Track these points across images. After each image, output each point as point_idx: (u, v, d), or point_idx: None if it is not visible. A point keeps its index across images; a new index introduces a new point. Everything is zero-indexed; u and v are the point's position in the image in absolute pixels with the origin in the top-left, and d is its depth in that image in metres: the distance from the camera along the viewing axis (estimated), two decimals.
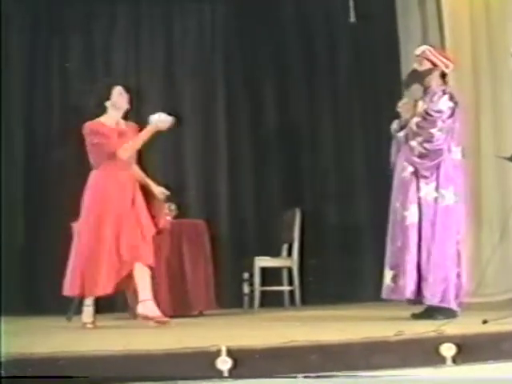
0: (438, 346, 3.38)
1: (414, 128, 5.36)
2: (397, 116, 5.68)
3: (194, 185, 8.70)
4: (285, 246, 8.25)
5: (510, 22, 7.13)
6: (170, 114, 5.70)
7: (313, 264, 8.32)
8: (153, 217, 5.74)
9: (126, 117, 5.85)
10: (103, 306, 5.95)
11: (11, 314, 6.38)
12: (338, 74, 9.00)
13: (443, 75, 5.55)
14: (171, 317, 5.69)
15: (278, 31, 8.93)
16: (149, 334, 4.84)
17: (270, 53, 8.93)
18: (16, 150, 8.48)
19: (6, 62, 8.21)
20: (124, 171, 5.66)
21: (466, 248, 5.47)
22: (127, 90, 5.76)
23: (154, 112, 5.81)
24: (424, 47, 5.58)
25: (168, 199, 6.28)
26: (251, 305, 7.88)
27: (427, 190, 5.30)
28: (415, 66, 5.56)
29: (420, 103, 5.46)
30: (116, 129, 5.67)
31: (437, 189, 5.29)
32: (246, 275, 8.07)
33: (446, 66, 5.53)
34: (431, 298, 5.19)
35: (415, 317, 5.22)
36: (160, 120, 5.58)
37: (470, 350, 3.38)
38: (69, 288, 5.57)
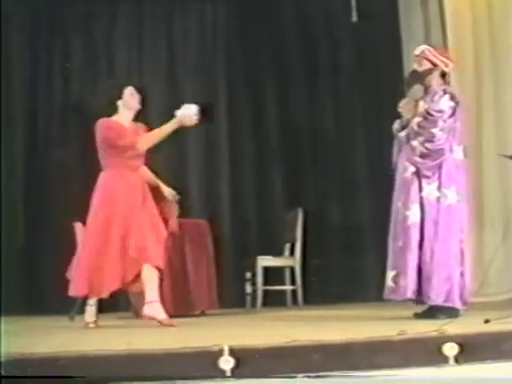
0: (440, 345, 3.37)
1: (416, 128, 5.35)
2: (398, 116, 5.67)
3: (196, 185, 8.70)
4: (287, 246, 8.25)
5: None
6: (203, 109, 5.61)
7: (315, 263, 8.32)
8: (163, 219, 5.72)
9: (135, 118, 5.82)
10: (106, 305, 5.94)
11: (11, 314, 6.37)
12: (339, 73, 8.99)
13: (443, 74, 5.54)
14: (173, 316, 5.68)
15: (280, 31, 8.93)
16: (151, 333, 4.83)
17: (271, 53, 8.93)
18: (16, 150, 8.48)
19: (7, 62, 8.21)
20: (133, 172, 5.63)
21: (468, 247, 5.44)
22: (138, 90, 5.74)
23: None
24: (423, 47, 5.56)
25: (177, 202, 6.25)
26: (253, 304, 7.88)
27: (429, 189, 5.29)
28: (415, 66, 5.55)
29: (421, 103, 5.45)
30: (129, 127, 5.65)
31: (439, 188, 5.28)
32: (248, 275, 8.08)
33: (446, 66, 5.52)
34: (436, 297, 5.17)
35: (417, 316, 5.21)
36: (186, 115, 5.51)
37: (472, 349, 3.37)
38: (75, 288, 5.53)
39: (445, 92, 5.38)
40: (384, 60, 8.54)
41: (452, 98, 5.36)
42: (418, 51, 5.54)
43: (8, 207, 8.11)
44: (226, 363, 3.26)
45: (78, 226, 7.04)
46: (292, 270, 8.13)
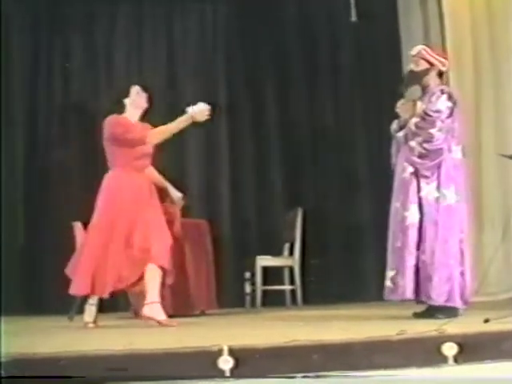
0: (439, 345, 3.37)
1: (413, 128, 5.34)
2: (398, 116, 5.67)
3: (196, 185, 8.70)
4: (286, 246, 8.26)
5: None
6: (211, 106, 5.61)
7: (314, 263, 8.32)
8: (167, 221, 5.71)
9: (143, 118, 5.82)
10: (105, 305, 5.94)
11: (11, 314, 6.38)
12: (339, 73, 9.00)
13: (440, 74, 5.53)
14: (173, 316, 5.68)
15: (280, 31, 8.93)
16: (151, 333, 4.83)
17: (271, 53, 8.94)
18: (16, 150, 8.48)
19: (7, 62, 8.22)
20: (140, 172, 5.62)
21: (468, 247, 5.45)
22: (145, 89, 5.74)
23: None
24: (420, 47, 5.55)
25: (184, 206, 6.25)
26: (253, 304, 7.89)
27: (428, 189, 5.29)
28: (412, 66, 5.53)
29: (419, 103, 5.44)
30: (138, 125, 5.65)
31: (438, 188, 5.28)
32: (247, 274, 8.09)
33: (443, 65, 5.51)
34: (437, 297, 5.16)
35: (417, 316, 5.21)
36: (196, 111, 5.50)
37: (471, 349, 3.37)
38: (77, 287, 5.50)
39: (442, 92, 5.37)
40: (384, 60, 8.55)
41: (449, 97, 5.36)
42: (414, 51, 5.53)
43: (8, 207, 8.12)
44: (226, 363, 3.26)
45: (77, 225, 7.06)
46: (291, 269, 8.14)
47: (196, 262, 7.11)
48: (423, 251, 5.23)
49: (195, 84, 8.77)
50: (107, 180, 5.62)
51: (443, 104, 5.32)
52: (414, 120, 5.36)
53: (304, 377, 3.29)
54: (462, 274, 5.25)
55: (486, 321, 4.06)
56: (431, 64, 5.45)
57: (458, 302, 5.20)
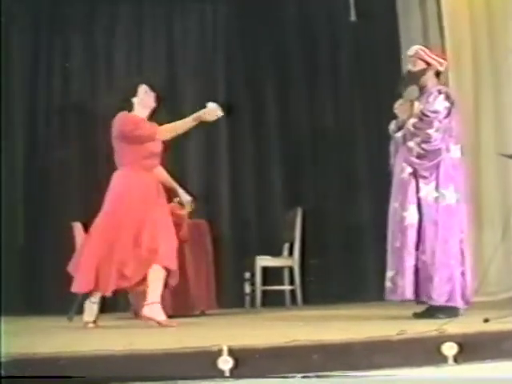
0: (439, 345, 3.36)
1: (411, 129, 5.34)
2: (397, 116, 5.67)
3: (196, 185, 8.70)
4: (286, 246, 8.26)
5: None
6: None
7: (314, 263, 8.33)
8: (175, 224, 5.70)
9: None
10: (105, 305, 5.94)
11: (11, 314, 6.37)
12: (339, 73, 9.01)
13: (437, 74, 5.53)
14: (173, 316, 5.68)
15: (280, 31, 8.94)
16: (150, 333, 4.83)
17: (271, 53, 8.94)
18: (16, 150, 8.48)
19: (7, 62, 8.22)
20: (148, 172, 5.60)
21: (468, 247, 5.44)
22: (152, 88, 5.73)
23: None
24: (417, 47, 5.54)
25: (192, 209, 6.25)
26: (253, 304, 7.89)
27: (427, 189, 5.28)
28: (409, 67, 5.53)
29: (416, 104, 5.44)
30: (147, 122, 5.64)
31: (437, 188, 5.27)
32: (247, 275, 8.09)
33: (441, 65, 5.50)
34: (438, 298, 5.16)
35: (417, 316, 5.21)
36: (206, 110, 5.45)
37: (471, 348, 3.37)
38: (80, 284, 5.45)
39: (440, 92, 5.36)
40: (383, 60, 8.55)
41: (447, 97, 5.35)
42: (411, 52, 5.53)
43: (8, 207, 8.11)
44: (225, 363, 3.26)
45: (76, 226, 7.06)
46: (291, 269, 8.14)
47: (196, 262, 7.11)
48: (423, 251, 5.23)
49: (195, 84, 8.77)
50: (116, 179, 5.59)
51: (440, 104, 5.31)
52: (412, 121, 5.36)
53: (304, 377, 3.28)
54: (463, 273, 5.25)
55: (486, 320, 4.06)
56: (428, 64, 5.45)
57: (459, 302, 5.20)
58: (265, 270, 7.95)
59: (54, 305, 7.42)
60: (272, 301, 8.00)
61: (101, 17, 8.93)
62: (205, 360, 3.27)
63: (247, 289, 8.07)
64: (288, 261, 8.14)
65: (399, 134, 5.45)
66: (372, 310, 6.45)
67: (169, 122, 5.61)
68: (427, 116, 5.28)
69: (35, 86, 8.67)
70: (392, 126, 5.61)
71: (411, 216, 5.28)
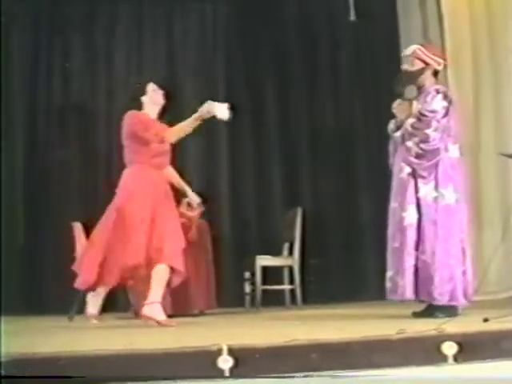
0: (439, 344, 3.36)
1: (410, 129, 5.33)
2: (395, 116, 5.67)
3: (196, 185, 8.68)
4: (286, 245, 8.25)
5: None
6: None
7: (314, 263, 8.33)
8: (184, 226, 5.69)
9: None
10: (105, 305, 5.94)
11: (11, 314, 6.37)
12: (339, 73, 9.01)
13: (435, 73, 5.53)
14: (172, 316, 5.68)
15: (280, 31, 8.94)
16: (150, 333, 4.83)
17: (271, 53, 8.94)
18: (16, 150, 8.48)
19: (7, 62, 8.22)
20: (157, 170, 5.60)
21: (469, 246, 5.44)
22: (160, 87, 5.74)
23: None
24: (414, 47, 5.53)
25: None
26: (252, 304, 7.89)
27: (426, 189, 5.27)
28: (406, 66, 5.51)
29: (414, 103, 5.44)
30: (157, 123, 5.65)
31: (436, 188, 5.26)
32: (247, 274, 8.09)
33: (438, 64, 5.50)
34: (440, 297, 5.15)
35: (416, 315, 5.21)
36: (204, 108, 5.48)
37: (471, 348, 3.37)
38: (83, 280, 5.40)
39: (437, 92, 5.35)
40: (383, 60, 8.54)
41: (445, 97, 5.34)
42: (409, 51, 5.51)
43: (8, 207, 8.12)
44: (225, 363, 3.25)
45: (76, 226, 7.07)
46: (291, 269, 8.13)
47: (196, 261, 7.12)
48: (423, 251, 5.22)
49: (195, 84, 8.77)
50: (126, 176, 5.58)
51: (438, 104, 5.30)
52: (410, 120, 5.35)
53: (304, 376, 3.28)
54: (464, 272, 5.24)
55: (486, 320, 4.06)
56: (426, 63, 5.45)
57: (461, 301, 5.20)
58: (265, 269, 7.94)
59: (54, 305, 7.43)
60: (272, 300, 7.99)
61: (101, 17, 8.93)
62: (204, 359, 3.27)
63: (247, 288, 8.07)
64: (288, 260, 8.14)
65: (398, 134, 5.45)
66: (371, 310, 6.46)
67: (169, 122, 5.60)
68: (425, 116, 5.28)
69: (35, 86, 8.68)
70: (391, 125, 5.60)
71: (410, 216, 5.27)
